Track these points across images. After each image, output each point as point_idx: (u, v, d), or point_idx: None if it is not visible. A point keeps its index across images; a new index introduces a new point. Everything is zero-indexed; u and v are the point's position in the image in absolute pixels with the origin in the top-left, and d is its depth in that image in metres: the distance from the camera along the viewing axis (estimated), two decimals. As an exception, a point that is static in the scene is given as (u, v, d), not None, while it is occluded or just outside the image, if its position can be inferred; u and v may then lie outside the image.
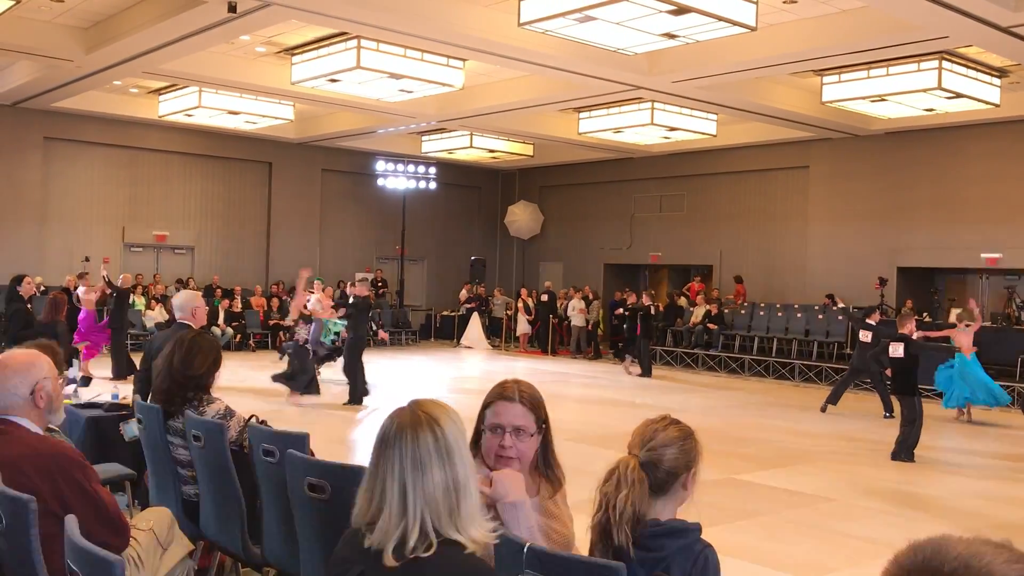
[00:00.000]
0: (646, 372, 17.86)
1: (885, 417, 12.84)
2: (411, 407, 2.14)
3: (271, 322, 21.02)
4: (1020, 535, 6.21)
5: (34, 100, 19.01)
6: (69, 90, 17.83)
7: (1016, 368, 15.38)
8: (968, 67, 14.74)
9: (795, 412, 13.66)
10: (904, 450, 9.95)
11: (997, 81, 15.43)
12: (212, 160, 22.92)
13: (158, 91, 19.57)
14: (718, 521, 6.71)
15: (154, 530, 3.41)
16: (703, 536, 2.55)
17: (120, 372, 13.89)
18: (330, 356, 14.24)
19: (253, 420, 4.57)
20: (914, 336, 10.48)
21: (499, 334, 23.36)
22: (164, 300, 19.82)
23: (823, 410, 13.34)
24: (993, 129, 17.76)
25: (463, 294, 24.19)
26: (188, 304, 6.12)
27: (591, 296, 22.32)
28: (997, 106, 15.73)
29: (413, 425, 2.07)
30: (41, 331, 8.23)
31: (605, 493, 2.55)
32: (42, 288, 16.99)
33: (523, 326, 22.52)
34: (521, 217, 27.08)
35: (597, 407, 13.77)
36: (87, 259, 20.32)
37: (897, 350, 10.44)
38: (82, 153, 21.09)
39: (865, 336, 13.18)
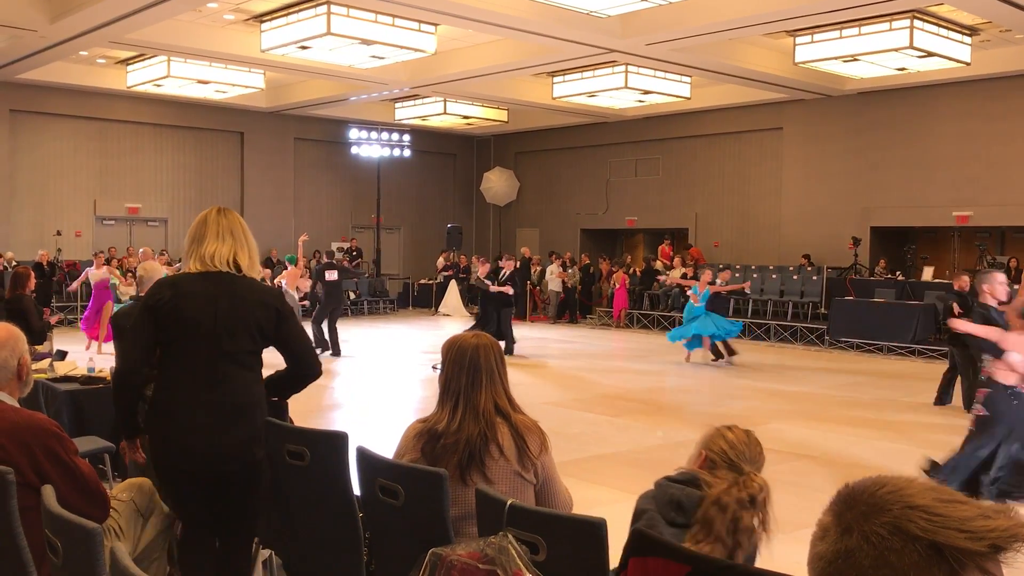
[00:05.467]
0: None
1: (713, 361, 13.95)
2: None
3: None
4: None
5: (-2, 72, 18.69)
6: (34, 61, 17.49)
7: (987, 324, 15.57)
8: (939, 26, 14.78)
9: (770, 371, 13.80)
10: (972, 400, 10.30)
11: (968, 40, 15.49)
12: (183, 131, 22.64)
13: (126, 61, 19.25)
14: (696, 480, 6.78)
15: (134, 500, 3.41)
16: None
17: None
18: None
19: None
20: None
21: (476, 301, 23.34)
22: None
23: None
24: (964, 87, 17.85)
25: (440, 262, 24.15)
26: (155, 277, 6.02)
27: (569, 262, 22.35)
28: (968, 64, 15.81)
29: None
30: (6, 306, 8.11)
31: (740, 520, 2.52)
32: (13, 263, 16.82)
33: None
34: (497, 184, 27.00)
35: (575, 371, 13.84)
36: (59, 233, 20.12)
37: None
38: (50, 125, 20.76)
39: None
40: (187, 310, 3.29)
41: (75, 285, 16.87)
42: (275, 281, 14.60)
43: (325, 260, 15.68)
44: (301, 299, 14.71)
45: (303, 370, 3.60)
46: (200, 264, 3.37)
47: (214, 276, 3.35)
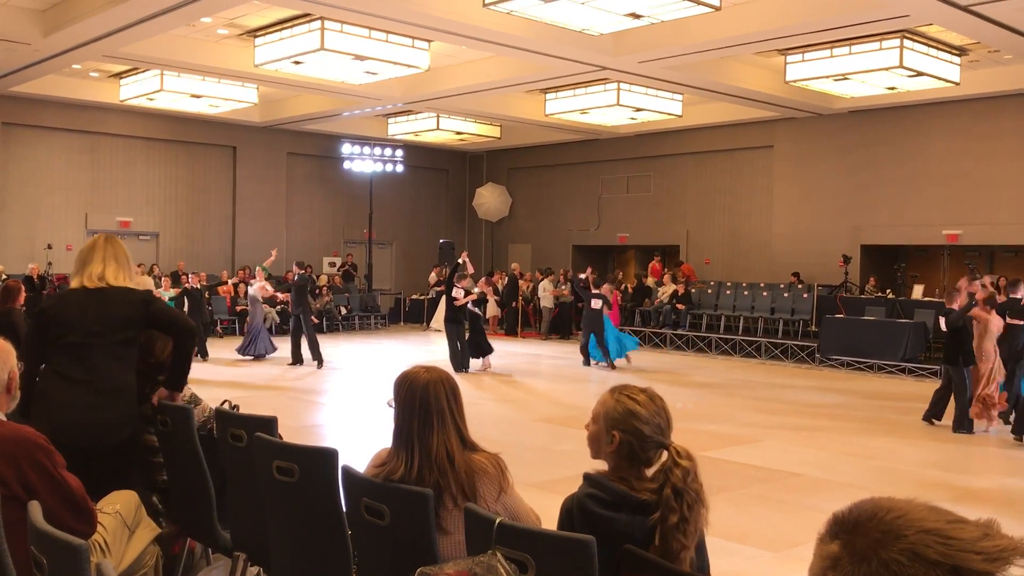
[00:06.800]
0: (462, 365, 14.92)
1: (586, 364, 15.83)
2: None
3: (238, 308, 20.84)
4: (981, 500, 6.23)
5: (-9, 85, 18.67)
6: (27, 74, 17.49)
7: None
8: (929, 46, 14.90)
9: (761, 389, 13.81)
10: (962, 421, 10.24)
11: (957, 60, 15.62)
12: (176, 145, 22.63)
13: (119, 75, 19.26)
14: (686, 497, 6.76)
15: (120, 513, 3.39)
16: None
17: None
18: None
19: (225, 405, 4.54)
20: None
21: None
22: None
23: None
24: (953, 107, 17.98)
25: (432, 277, 24.14)
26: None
27: (563, 278, 22.36)
28: (957, 84, 15.93)
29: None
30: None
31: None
32: (3, 276, 16.76)
33: (492, 309, 22.50)
34: (489, 199, 27.04)
35: (566, 388, 13.83)
36: (49, 247, 20.05)
37: (596, 303, 15.51)
38: (42, 139, 20.73)
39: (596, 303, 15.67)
40: (65, 314, 4.15)
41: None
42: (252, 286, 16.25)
43: (299, 272, 15.84)
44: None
45: (179, 333, 4.29)
46: (80, 282, 4.20)
47: (92, 290, 4.18)
